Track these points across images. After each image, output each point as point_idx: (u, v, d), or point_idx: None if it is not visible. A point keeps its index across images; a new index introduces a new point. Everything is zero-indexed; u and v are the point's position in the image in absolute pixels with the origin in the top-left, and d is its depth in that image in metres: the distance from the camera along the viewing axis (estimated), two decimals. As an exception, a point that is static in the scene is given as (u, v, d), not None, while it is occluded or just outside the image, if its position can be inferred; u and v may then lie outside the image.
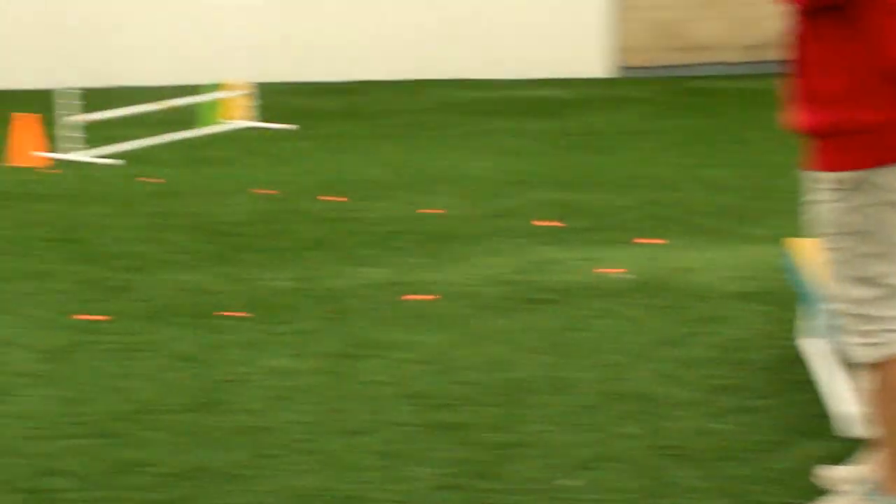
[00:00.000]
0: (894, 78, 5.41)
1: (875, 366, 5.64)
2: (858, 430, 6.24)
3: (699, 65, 19.54)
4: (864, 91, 5.54)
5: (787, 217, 11.24)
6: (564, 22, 18.54)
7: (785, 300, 9.29)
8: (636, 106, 16.13)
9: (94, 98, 16.30)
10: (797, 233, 9.85)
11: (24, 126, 14.20)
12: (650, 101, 16.31)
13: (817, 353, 7.62)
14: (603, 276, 9.86)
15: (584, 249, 10.49)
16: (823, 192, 5.63)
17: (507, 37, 18.78)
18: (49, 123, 14.86)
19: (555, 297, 9.49)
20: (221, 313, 9.44)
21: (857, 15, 5.43)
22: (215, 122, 15.65)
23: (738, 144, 15.15)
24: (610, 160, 13.25)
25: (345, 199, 12.55)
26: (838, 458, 6.44)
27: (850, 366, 5.95)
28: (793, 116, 5.66)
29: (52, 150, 14.33)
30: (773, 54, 18.21)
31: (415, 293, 9.65)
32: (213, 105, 15.80)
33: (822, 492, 6.03)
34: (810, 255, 7.66)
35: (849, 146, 5.55)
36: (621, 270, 9.97)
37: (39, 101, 16.04)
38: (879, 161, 5.54)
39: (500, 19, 18.82)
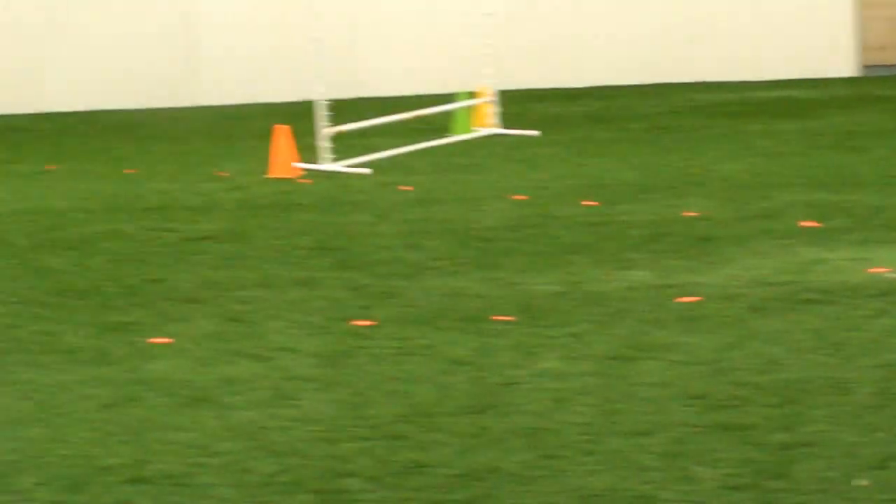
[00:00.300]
0: None
1: None
2: None
3: (947, 60, 19.22)
4: None
5: None
6: (806, 22, 18.43)
7: None
8: (884, 104, 16.03)
9: (345, 109, 16.46)
10: None
11: (283, 138, 14.39)
12: (897, 99, 16.09)
13: None
14: (875, 275, 9.67)
15: (850, 249, 10.33)
16: None
17: (748, 38, 18.76)
18: (303, 135, 15.02)
19: (826, 298, 9.34)
20: (490, 317, 9.47)
21: None
22: (465, 131, 15.68)
23: None
24: (864, 159, 13.16)
25: (599, 203, 12.43)
26: None
27: None
28: None
29: (308, 161, 14.50)
30: None
31: (683, 295, 9.61)
32: (462, 113, 15.86)
33: None
34: None
35: None
36: (893, 270, 9.68)
37: (291, 113, 16.26)
38: None
39: (741, 21, 18.74)
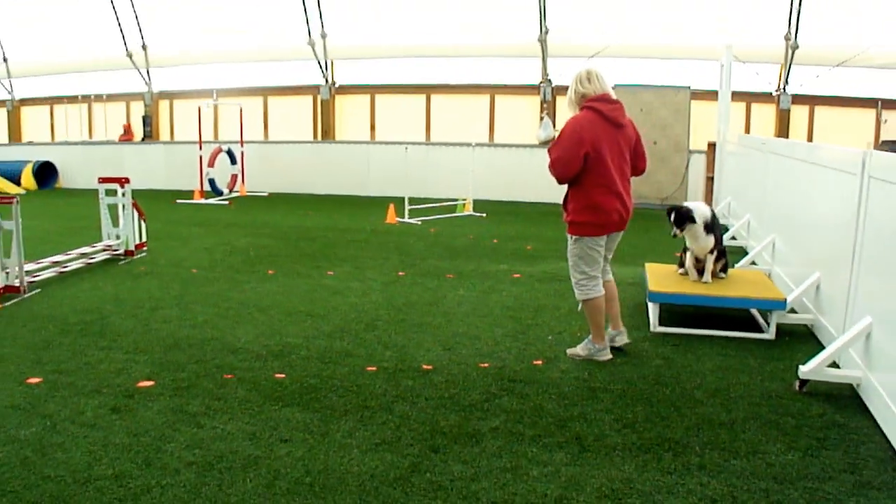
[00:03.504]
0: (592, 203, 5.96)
1: (584, 301, 6.19)
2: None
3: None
4: (578, 210, 6.01)
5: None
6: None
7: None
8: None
9: (419, 200, 16.61)
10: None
11: (391, 209, 14.78)
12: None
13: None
14: (522, 273, 9.78)
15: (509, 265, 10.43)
16: (570, 243, 6.20)
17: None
18: (401, 208, 15.27)
19: (523, 280, 9.45)
20: (446, 275, 9.56)
21: (579, 183, 5.94)
22: (460, 211, 16.07)
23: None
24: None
25: (497, 241, 12.09)
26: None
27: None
28: (564, 217, 6.10)
29: (400, 217, 14.81)
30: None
31: (515, 273, 9.66)
32: (460, 205, 16.22)
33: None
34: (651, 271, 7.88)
35: (576, 227, 6.08)
36: (520, 275, 9.67)
37: (399, 200, 16.42)
38: (583, 234, 6.08)
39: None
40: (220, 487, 4.09)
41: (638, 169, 6.14)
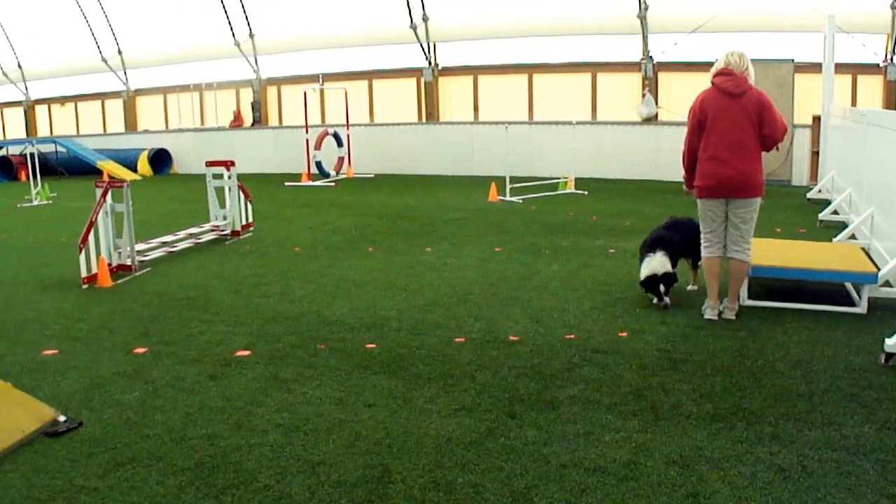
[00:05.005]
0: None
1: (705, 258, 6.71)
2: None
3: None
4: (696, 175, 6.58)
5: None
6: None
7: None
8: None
9: (519, 179, 16.80)
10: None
11: (493, 188, 14.94)
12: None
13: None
14: (617, 249, 9.85)
15: (612, 241, 10.41)
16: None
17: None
18: (501, 187, 15.45)
19: (617, 253, 9.53)
20: (542, 250, 9.76)
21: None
22: (562, 189, 16.18)
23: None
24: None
25: (596, 218, 12.20)
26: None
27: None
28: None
29: (501, 195, 14.94)
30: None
31: (609, 249, 9.87)
32: (562, 184, 16.30)
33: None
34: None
35: (695, 190, 6.63)
36: (615, 250, 9.96)
37: (500, 179, 16.62)
38: (697, 196, 6.60)
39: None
40: (304, 447, 4.35)
41: (762, 136, 6.28)
